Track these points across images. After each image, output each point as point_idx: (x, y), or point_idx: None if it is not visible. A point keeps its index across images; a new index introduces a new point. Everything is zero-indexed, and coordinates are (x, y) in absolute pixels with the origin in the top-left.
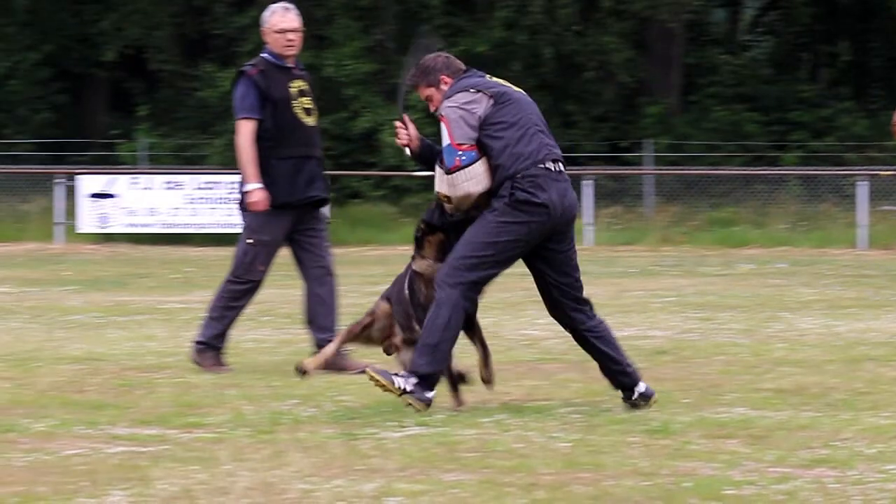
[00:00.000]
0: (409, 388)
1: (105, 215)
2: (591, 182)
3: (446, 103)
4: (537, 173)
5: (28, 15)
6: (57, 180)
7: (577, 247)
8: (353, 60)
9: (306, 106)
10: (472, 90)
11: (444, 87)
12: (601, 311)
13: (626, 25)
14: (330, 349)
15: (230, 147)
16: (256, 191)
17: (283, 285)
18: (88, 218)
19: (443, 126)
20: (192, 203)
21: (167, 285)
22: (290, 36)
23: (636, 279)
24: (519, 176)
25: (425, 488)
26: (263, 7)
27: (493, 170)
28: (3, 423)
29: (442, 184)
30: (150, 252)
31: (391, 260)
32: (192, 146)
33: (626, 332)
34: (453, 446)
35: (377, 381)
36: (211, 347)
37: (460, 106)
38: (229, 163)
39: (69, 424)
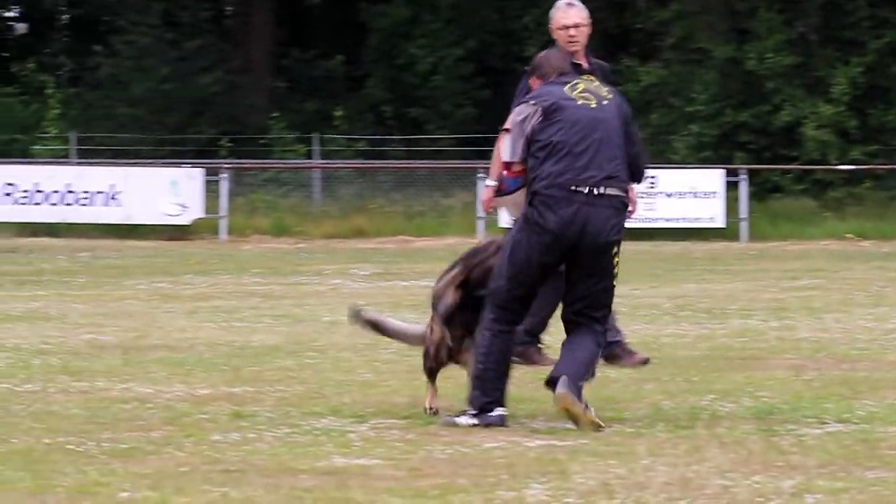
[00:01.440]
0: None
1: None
2: None
3: (512, 113)
4: (552, 194)
5: (452, 11)
6: (479, 175)
7: None
8: (774, 53)
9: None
10: (531, 102)
11: (533, 90)
12: None
13: None
14: None
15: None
16: (488, 188)
17: (703, 280)
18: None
19: None
20: None
21: None
22: (572, 32)
23: None
24: (534, 195)
25: (846, 486)
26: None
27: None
28: (421, 417)
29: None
30: None
31: (812, 255)
32: None
33: None
34: (875, 444)
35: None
36: (528, 343)
37: (515, 122)
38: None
39: None
